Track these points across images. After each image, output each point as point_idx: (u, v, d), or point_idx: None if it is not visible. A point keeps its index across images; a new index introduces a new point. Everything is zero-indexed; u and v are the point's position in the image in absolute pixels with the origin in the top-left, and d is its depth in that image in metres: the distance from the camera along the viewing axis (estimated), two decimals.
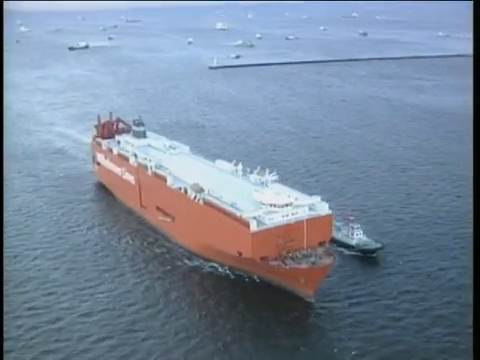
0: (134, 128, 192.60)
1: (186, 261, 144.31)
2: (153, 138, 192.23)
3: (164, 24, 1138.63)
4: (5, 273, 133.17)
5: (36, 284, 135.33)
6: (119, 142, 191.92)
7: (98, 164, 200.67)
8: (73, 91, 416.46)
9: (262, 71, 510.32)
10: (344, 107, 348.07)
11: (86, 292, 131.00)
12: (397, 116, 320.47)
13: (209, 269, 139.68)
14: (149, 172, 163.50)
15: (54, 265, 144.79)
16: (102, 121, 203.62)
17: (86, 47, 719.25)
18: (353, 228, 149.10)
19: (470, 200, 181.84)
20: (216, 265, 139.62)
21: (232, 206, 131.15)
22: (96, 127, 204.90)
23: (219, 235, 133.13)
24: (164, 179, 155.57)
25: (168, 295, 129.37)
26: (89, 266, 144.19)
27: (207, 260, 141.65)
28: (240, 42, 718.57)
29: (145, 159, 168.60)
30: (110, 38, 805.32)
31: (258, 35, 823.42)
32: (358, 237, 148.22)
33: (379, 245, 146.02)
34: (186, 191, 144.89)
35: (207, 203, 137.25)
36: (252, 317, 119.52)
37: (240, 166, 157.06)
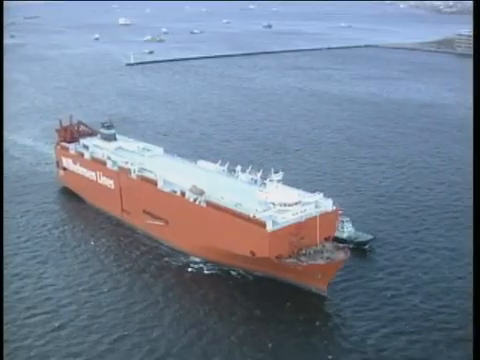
0: (104, 131, 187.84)
1: (173, 260, 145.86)
2: (123, 141, 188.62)
3: (64, 20, 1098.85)
4: (5, 271, 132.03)
5: (32, 289, 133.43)
6: (86, 146, 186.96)
7: (64, 169, 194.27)
8: None
9: (179, 66, 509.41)
10: (273, 100, 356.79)
11: (86, 294, 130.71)
12: (325, 106, 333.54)
13: (201, 266, 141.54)
14: (133, 176, 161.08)
15: (44, 269, 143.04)
16: (63, 124, 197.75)
17: None
18: (343, 221, 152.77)
19: (412, 178, 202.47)
20: (205, 263, 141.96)
21: (237, 206, 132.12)
22: (58, 131, 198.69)
23: (227, 236, 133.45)
24: (153, 182, 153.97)
25: (165, 293, 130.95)
26: (79, 269, 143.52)
27: (207, 261, 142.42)
28: (149, 37, 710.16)
29: (126, 163, 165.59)
30: (12, 36, 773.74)
31: (164, 29, 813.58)
32: (348, 230, 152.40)
33: (370, 237, 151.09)
34: (183, 194, 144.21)
35: (210, 205, 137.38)
36: (253, 307, 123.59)
37: (226, 166, 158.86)
